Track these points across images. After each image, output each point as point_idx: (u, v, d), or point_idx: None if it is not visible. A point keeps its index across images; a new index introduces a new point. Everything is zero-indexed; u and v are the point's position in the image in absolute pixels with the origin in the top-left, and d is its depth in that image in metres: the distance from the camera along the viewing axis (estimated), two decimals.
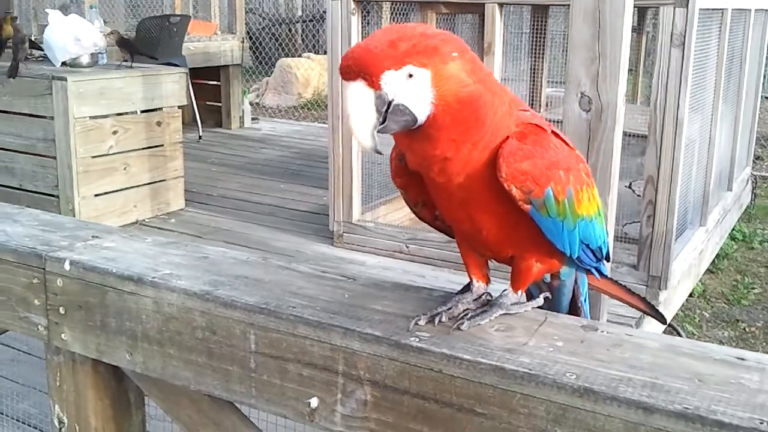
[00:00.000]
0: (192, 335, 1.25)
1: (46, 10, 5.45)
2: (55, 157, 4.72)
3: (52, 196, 4.79)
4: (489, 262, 1.27)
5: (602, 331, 1.12)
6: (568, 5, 2.93)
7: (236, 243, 4.68)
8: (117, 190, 4.96)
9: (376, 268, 4.33)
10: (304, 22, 14.76)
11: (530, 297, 1.29)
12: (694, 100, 3.91)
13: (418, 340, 1.08)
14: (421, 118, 1.05)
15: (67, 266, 1.37)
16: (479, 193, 1.13)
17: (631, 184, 4.99)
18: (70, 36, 4.94)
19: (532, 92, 6.23)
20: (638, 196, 4.37)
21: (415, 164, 1.15)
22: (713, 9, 4.13)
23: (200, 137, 7.71)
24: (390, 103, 1.04)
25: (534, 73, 6.25)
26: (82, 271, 1.36)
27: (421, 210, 1.30)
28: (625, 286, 1.43)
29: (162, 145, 5.18)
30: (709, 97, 4.50)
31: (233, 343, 1.22)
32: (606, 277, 1.38)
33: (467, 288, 1.24)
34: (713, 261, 5.69)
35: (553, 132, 1.19)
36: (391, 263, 4.38)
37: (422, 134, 1.07)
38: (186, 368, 1.28)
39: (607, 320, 3.22)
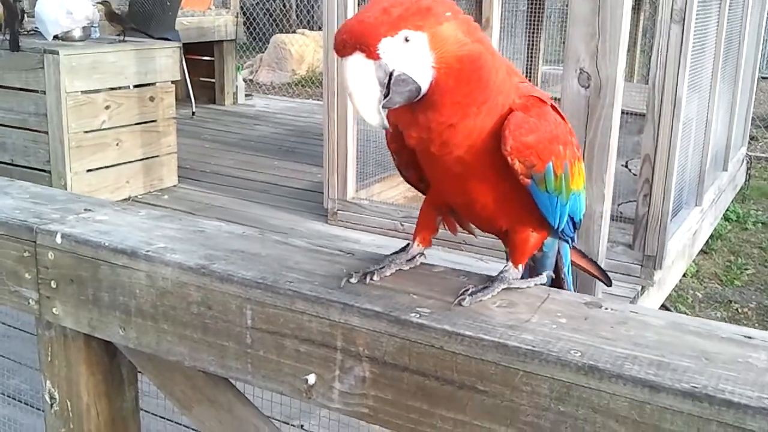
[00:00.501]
0: (187, 310, 1.23)
1: None
2: (47, 132, 4.67)
3: (44, 171, 4.75)
4: (439, 228, 1.28)
5: (606, 308, 1.10)
6: None
7: (230, 220, 4.65)
8: (109, 166, 4.91)
9: (371, 246, 4.31)
10: None
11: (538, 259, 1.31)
12: (692, 78, 3.88)
13: (418, 316, 1.05)
14: (425, 86, 1.03)
15: (58, 239, 1.34)
16: (479, 166, 1.12)
17: (627, 162, 4.97)
18: (62, 9, 4.87)
19: (529, 70, 6.18)
20: (634, 175, 4.35)
21: (416, 140, 1.12)
22: None
23: (193, 113, 7.65)
24: (391, 74, 1.01)
25: (531, 50, 6.20)
26: (74, 245, 1.33)
27: (407, 169, 1.29)
28: (576, 249, 1.44)
29: (155, 121, 5.13)
30: (707, 76, 4.47)
31: (229, 318, 1.19)
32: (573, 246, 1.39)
33: (403, 249, 1.25)
34: (707, 241, 5.69)
35: (552, 106, 1.17)
36: (385, 241, 4.35)
37: (426, 103, 1.04)
38: (180, 344, 1.25)
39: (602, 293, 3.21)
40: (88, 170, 4.78)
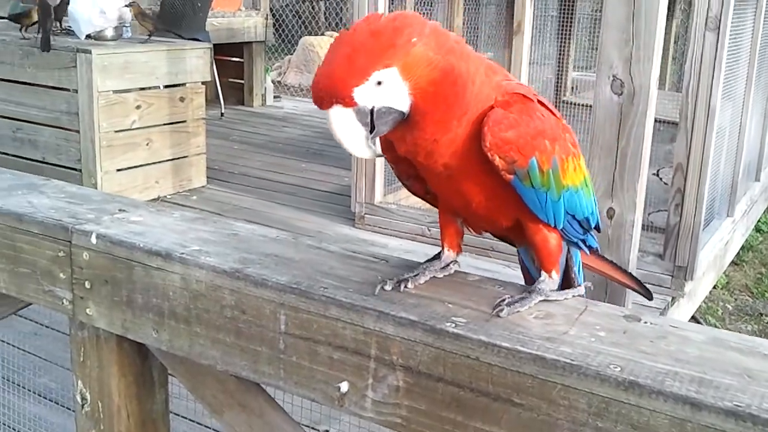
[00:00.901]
0: (220, 314, 1.23)
1: None
2: (78, 131, 4.71)
3: (75, 170, 4.79)
4: (465, 233, 1.28)
5: (645, 322, 1.08)
6: None
7: (257, 222, 4.66)
8: (139, 166, 4.95)
9: (398, 251, 4.30)
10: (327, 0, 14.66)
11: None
12: (726, 87, 3.83)
13: (454, 325, 1.04)
14: (406, 110, 1.05)
15: (93, 240, 1.35)
16: (466, 168, 1.12)
17: (658, 171, 4.91)
18: (95, 9, 4.91)
19: (558, 76, 6.14)
20: (665, 184, 4.30)
21: (403, 151, 1.14)
22: None
23: (222, 114, 7.69)
24: (372, 110, 1.04)
25: (561, 56, 6.16)
26: (108, 245, 1.33)
27: (412, 184, 1.29)
28: (611, 261, 1.42)
29: (185, 121, 5.16)
30: (741, 84, 4.41)
31: (263, 323, 1.18)
32: (594, 251, 1.35)
33: (437, 256, 1.25)
34: (738, 253, 5.61)
35: (539, 101, 1.16)
36: (413, 246, 4.34)
37: (409, 123, 1.07)
38: (213, 347, 1.25)
39: (632, 303, 3.17)
40: (118, 169, 4.82)
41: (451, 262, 1.25)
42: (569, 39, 6.09)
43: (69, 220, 1.41)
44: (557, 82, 6.06)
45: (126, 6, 5.19)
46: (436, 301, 1.12)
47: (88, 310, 1.39)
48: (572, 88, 6.33)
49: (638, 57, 2.96)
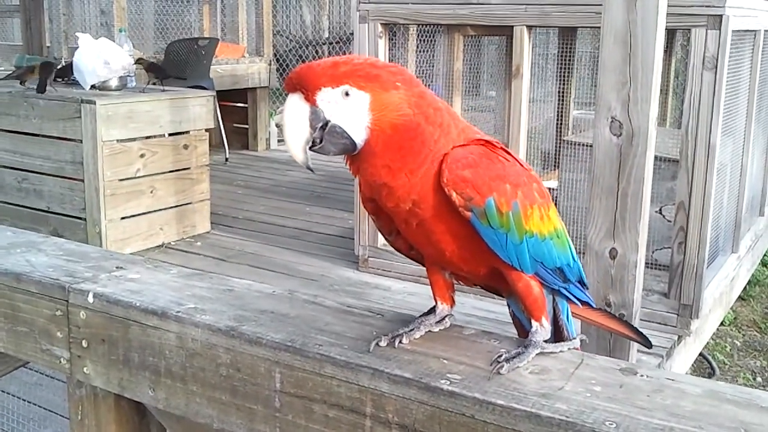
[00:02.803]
0: (216, 372, 1.22)
1: (77, 33, 5.50)
2: (83, 180, 4.74)
3: (79, 218, 4.81)
4: (455, 285, 1.28)
5: (642, 375, 1.07)
6: (598, 27, 2.89)
7: (261, 267, 4.66)
8: (143, 213, 4.96)
9: (402, 294, 4.29)
10: (331, 44, 14.82)
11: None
12: (726, 124, 3.84)
13: (449, 383, 1.04)
14: (359, 142, 1.07)
15: (90, 299, 1.35)
16: (430, 211, 1.13)
17: (661, 209, 4.90)
18: (99, 59, 4.97)
19: (560, 114, 6.16)
20: (668, 221, 4.29)
21: (367, 191, 1.17)
22: (746, 30, 4.07)
23: (227, 159, 7.74)
24: (327, 123, 1.06)
25: (561, 95, 6.19)
26: (105, 304, 1.34)
27: (395, 239, 1.29)
28: (607, 312, 1.42)
29: (189, 168, 5.19)
30: (741, 121, 4.43)
31: (258, 381, 1.18)
32: (585, 303, 1.35)
33: (432, 310, 1.25)
34: (744, 288, 5.58)
35: (504, 149, 1.18)
36: (416, 288, 4.33)
37: (361, 159, 1.09)
38: (209, 406, 1.24)
39: (637, 350, 3.15)
40: (123, 217, 4.84)
41: (447, 315, 1.25)
42: (570, 77, 6.13)
43: (66, 279, 1.42)
44: (558, 122, 6.09)
45: (134, 64, 5.26)
46: (431, 357, 1.12)
47: (85, 369, 1.39)
48: (573, 126, 6.35)
49: (636, 98, 2.98)
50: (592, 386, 1.04)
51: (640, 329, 1.48)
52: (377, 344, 1.14)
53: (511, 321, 1.44)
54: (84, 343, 1.37)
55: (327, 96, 1.05)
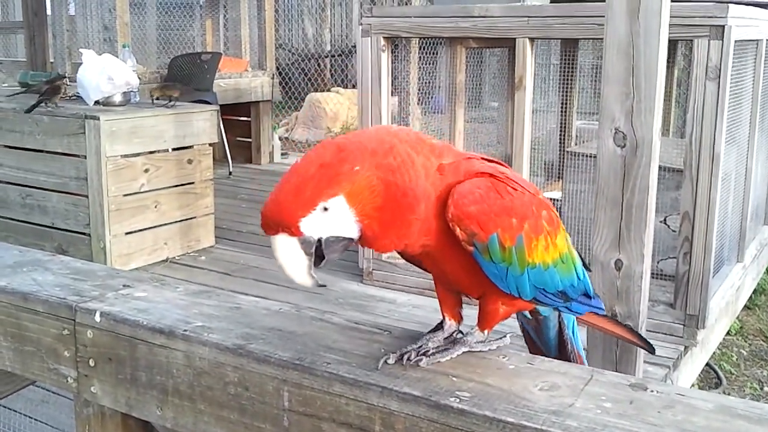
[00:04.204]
0: (224, 391, 1.22)
1: (80, 49, 5.52)
2: (87, 196, 4.75)
3: (84, 234, 4.82)
4: (463, 301, 1.28)
5: (652, 391, 1.07)
6: (600, 38, 2.90)
7: (265, 281, 4.66)
8: (148, 228, 4.97)
9: (407, 306, 4.29)
10: (333, 56, 14.87)
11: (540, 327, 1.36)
12: (729, 133, 3.84)
13: (458, 400, 1.03)
14: (356, 235, 1.09)
15: (97, 318, 1.35)
16: (435, 242, 1.15)
17: (665, 219, 4.90)
18: (103, 75, 4.99)
19: (563, 125, 6.17)
20: (673, 231, 4.29)
21: None
22: (748, 40, 4.07)
23: (230, 173, 7.75)
24: (320, 240, 1.07)
25: (564, 105, 6.19)
26: (112, 323, 1.33)
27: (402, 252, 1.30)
28: (612, 318, 1.43)
29: (193, 183, 5.20)
30: (744, 130, 4.43)
31: (266, 400, 1.18)
32: (591, 311, 1.35)
33: (439, 326, 1.25)
34: (750, 297, 5.56)
35: (508, 177, 1.17)
36: (421, 301, 4.33)
37: (366, 242, 1.11)
38: (217, 425, 1.24)
39: (644, 361, 3.13)
40: (127, 233, 4.84)
41: (454, 332, 1.24)
42: (572, 87, 6.13)
43: (73, 298, 1.42)
44: (561, 132, 6.09)
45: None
46: (440, 375, 1.11)
47: (92, 388, 1.38)
48: (576, 137, 6.35)
49: (639, 109, 2.97)
50: (602, 402, 1.03)
51: (647, 337, 1.49)
52: (386, 362, 1.14)
53: (522, 335, 1.44)
54: (91, 362, 1.37)
55: (309, 222, 1.05)
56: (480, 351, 1.19)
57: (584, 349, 1.33)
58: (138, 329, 1.30)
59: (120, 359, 1.33)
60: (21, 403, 3.16)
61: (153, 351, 1.29)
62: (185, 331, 1.27)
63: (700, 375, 4.51)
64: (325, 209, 1.05)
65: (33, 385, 3.21)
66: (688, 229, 3.72)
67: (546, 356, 1.32)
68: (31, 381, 1.57)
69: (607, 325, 1.46)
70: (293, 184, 1.05)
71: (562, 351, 1.39)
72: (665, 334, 3.75)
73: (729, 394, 3.61)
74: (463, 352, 1.17)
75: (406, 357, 1.15)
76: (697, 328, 3.77)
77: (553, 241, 1.21)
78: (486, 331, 1.22)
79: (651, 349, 1.46)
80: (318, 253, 1.09)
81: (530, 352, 1.40)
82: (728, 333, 5.10)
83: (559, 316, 1.37)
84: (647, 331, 2.84)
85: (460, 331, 1.25)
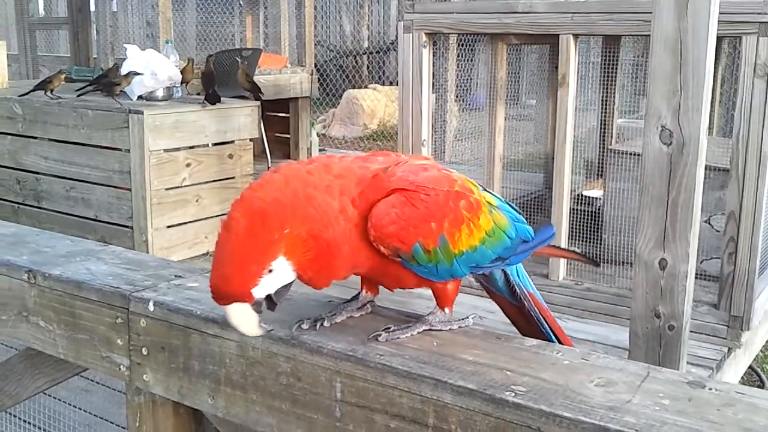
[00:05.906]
0: (276, 381, 1.23)
1: (125, 45, 5.59)
2: (130, 189, 4.81)
3: (126, 227, 4.88)
4: None
5: (710, 389, 1.05)
6: (645, 35, 2.85)
7: None
8: (189, 222, 5.02)
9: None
10: (370, 53, 14.88)
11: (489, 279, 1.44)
12: None
13: (513, 394, 1.03)
14: (295, 279, 1.15)
15: (151, 307, 1.37)
16: (366, 262, 1.20)
17: (709, 218, 4.82)
18: (147, 70, 5.05)
19: (604, 123, 6.10)
20: (717, 231, 4.22)
21: None
22: None
23: (269, 168, 7.78)
24: (269, 296, 1.14)
25: (604, 103, 6.12)
26: (166, 312, 1.35)
27: None
28: (552, 245, 1.48)
29: (233, 177, 5.24)
30: None
31: (318, 390, 1.18)
32: (534, 250, 1.41)
33: (355, 297, 1.33)
34: None
35: (419, 185, 1.19)
36: (459, 298, 4.30)
37: (304, 281, 1.17)
38: (269, 415, 1.25)
39: (687, 362, 3.09)
40: (169, 226, 4.90)
41: (368, 302, 1.33)
42: (613, 85, 6.06)
43: (127, 287, 1.43)
44: (602, 130, 6.02)
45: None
46: (493, 369, 1.11)
47: (145, 377, 1.40)
48: (618, 135, 6.28)
49: (687, 107, 2.93)
50: (660, 399, 1.02)
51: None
52: (300, 327, 1.22)
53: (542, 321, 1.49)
54: (144, 351, 1.39)
55: (258, 288, 1.11)
56: (440, 330, 1.25)
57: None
58: (191, 318, 1.32)
59: (173, 348, 1.35)
60: (63, 392, 3.21)
61: (206, 340, 1.30)
62: None
63: (742, 377, 4.44)
64: (270, 271, 1.11)
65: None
66: (734, 230, 3.66)
67: (504, 302, 1.47)
68: (82, 369, 1.60)
69: (552, 252, 1.55)
70: (236, 260, 1.10)
71: (514, 296, 1.46)
72: (708, 335, 3.69)
73: None
74: (424, 330, 1.23)
75: (319, 323, 1.23)
76: (741, 330, 3.70)
77: (476, 224, 1.24)
78: (447, 309, 1.28)
79: (596, 263, 1.55)
80: (268, 302, 1.15)
81: (492, 298, 1.51)
82: None
83: (505, 273, 1.44)
84: (690, 331, 2.80)
85: (373, 301, 1.34)
